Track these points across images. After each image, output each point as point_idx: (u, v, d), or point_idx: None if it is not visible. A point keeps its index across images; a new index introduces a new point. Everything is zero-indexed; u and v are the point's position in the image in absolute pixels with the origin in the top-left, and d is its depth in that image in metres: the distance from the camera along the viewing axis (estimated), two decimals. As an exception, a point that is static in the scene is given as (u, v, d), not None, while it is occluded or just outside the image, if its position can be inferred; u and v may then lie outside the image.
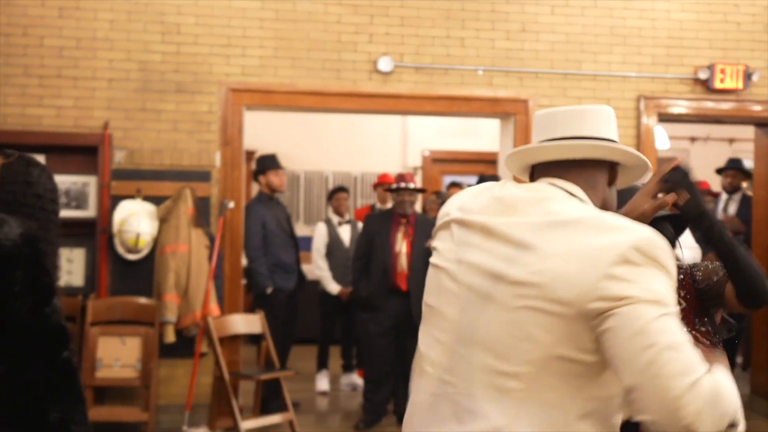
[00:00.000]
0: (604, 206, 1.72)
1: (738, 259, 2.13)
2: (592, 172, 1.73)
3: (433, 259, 1.76)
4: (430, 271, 1.76)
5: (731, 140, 11.11)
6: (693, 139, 11.10)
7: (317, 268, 6.88)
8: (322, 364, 7.01)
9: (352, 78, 5.94)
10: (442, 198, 8.06)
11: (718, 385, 1.45)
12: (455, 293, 1.65)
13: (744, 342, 7.41)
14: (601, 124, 1.77)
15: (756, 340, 6.68)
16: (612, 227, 1.54)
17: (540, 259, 1.54)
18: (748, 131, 9.29)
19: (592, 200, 1.70)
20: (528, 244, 1.57)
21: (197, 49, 5.76)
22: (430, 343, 1.69)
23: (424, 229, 5.75)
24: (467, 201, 1.74)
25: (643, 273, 1.48)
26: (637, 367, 1.43)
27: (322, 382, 6.94)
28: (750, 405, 6.61)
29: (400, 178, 5.92)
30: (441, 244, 1.75)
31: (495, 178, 6.00)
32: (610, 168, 1.76)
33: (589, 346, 1.51)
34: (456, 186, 8.23)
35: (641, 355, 1.43)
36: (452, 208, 1.76)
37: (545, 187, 1.69)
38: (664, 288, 1.49)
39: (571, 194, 1.67)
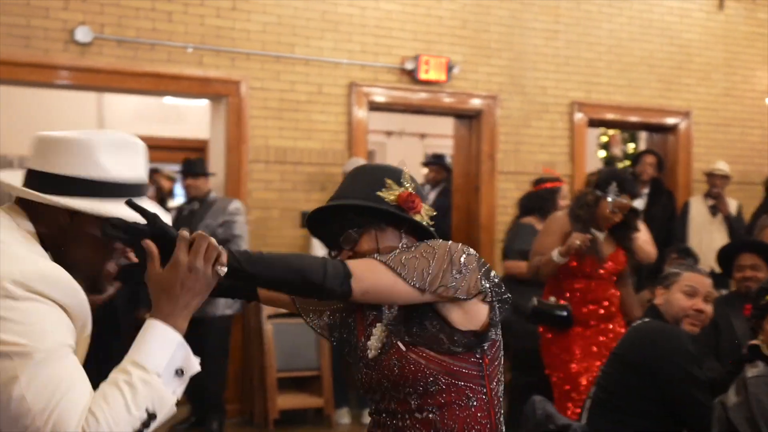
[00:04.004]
0: (59, 240, 1.63)
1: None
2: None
3: None
4: None
5: (423, 135, 11.73)
6: (389, 133, 11.56)
7: None
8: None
9: (44, 47, 5.31)
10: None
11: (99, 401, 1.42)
12: None
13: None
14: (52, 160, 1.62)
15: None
16: None
17: None
18: (439, 127, 9.86)
19: (41, 231, 1.61)
20: None
21: None
22: None
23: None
24: None
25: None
26: None
27: None
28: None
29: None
30: None
31: (201, 163, 5.68)
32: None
33: None
34: (156, 173, 7.77)
35: None
36: None
37: None
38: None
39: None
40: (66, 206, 1.59)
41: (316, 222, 2.01)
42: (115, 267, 1.70)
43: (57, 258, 1.60)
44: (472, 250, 1.89)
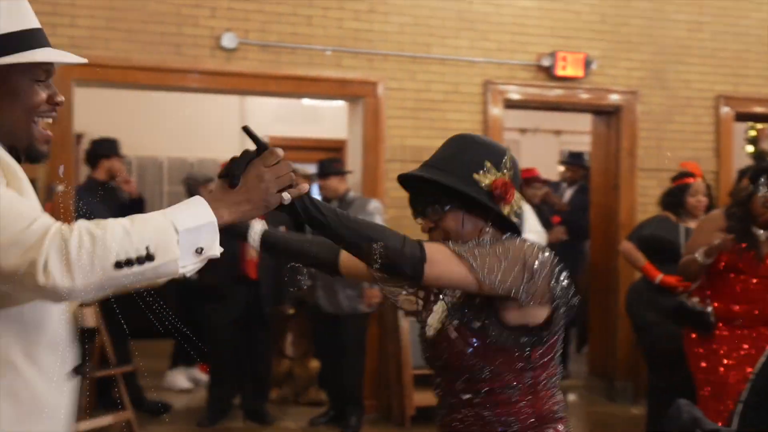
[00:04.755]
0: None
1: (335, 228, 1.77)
2: None
3: None
4: None
5: (558, 132, 11.55)
6: (523, 131, 11.43)
7: None
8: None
9: (193, 54, 5.58)
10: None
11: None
12: None
13: (578, 325, 7.66)
14: None
15: (593, 322, 6.90)
16: None
17: None
18: (575, 124, 9.68)
19: None
20: None
21: (18, 17, 5.20)
22: None
23: (273, 215, 5.48)
24: None
25: None
26: None
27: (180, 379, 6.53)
28: (588, 385, 6.83)
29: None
30: None
31: (338, 162, 5.81)
32: None
33: None
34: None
35: None
36: None
37: None
38: None
39: None
40: None
41: (408, 179, 2.02)
42: (49, 133, 1.71)
43: None
44: (547, 253, 1.89)
